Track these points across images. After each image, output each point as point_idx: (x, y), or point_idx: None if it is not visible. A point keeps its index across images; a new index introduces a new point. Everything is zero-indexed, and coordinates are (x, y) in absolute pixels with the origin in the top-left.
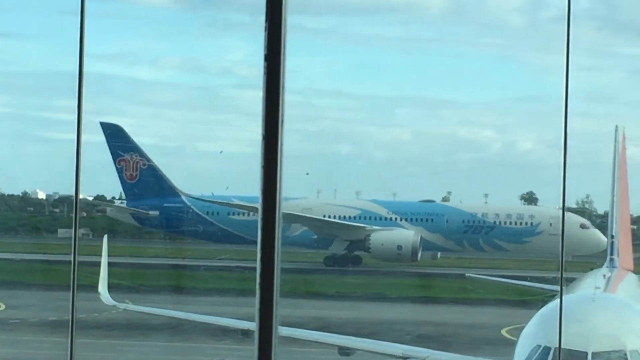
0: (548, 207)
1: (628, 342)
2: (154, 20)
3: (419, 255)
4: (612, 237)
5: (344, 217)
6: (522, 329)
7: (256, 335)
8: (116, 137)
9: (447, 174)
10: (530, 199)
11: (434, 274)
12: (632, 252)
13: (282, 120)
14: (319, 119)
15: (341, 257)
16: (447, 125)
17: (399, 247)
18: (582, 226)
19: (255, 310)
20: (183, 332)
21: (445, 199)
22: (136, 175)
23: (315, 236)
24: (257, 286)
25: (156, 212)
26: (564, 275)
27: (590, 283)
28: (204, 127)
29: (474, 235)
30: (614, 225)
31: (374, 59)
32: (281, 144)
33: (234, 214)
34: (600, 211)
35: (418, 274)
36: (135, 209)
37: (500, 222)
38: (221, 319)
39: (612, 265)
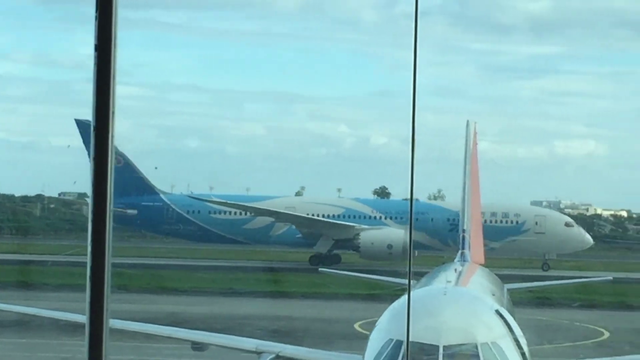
0: (534, 206)
1: (479, 336)
2: (2, 13)
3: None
4: (464, 231)
5: (329, 215)
6: (374, 322)
7: (87, 330)
8: (90, 134)
9: (302, 169)
10: (382, 193)
11: (284, 268)
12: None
13: (113, 112)
14: (175, 113)
15: (326, 256)
16: (301, 120)
17: (389, 246)
18: (567, 224)
19: (86, 305)
20: (34, 329)
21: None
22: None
23: (299, 235)
24: (88, 280)
25: (134, 211)
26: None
27: (442, 277)
28: (57, 122)
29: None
30: (466, 220)
31: (228, 53)
32: (112, 136)
33: (215, 212)
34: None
35: (269, 268)
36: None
37: (485, 221)
38: (69, 315)
39: (463, 259)
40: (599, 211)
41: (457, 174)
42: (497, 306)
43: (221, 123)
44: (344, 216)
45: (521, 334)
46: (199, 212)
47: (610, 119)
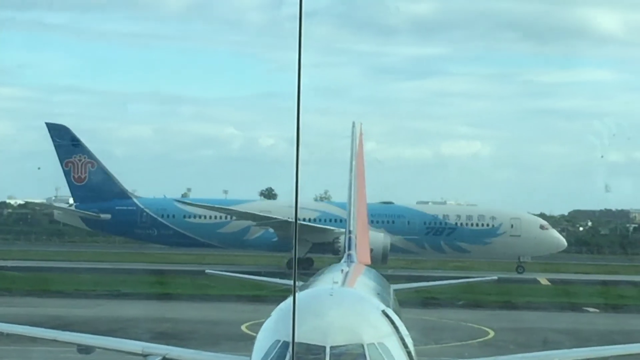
0: (509, 208)
1: (365, 336)
2: None
3: (388, 257)
4: (350, 232)
5: (306, 219)
6: (261, 324)
7: None
8: (63, 138)
9: (188, 170)
10: (269, 194)
11: (172, 270)
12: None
13: None
14: (59, 115)
15: (305, 259)
16: (187, 121)
17: (370, 250)
18: (542, 227)
19: None
20: None
21: (186, 195)
22: (85, 177)
23: (275, 239)
24: None
25: (108, 215)
26: None
27: (328, 278)
28: None
29: (435, 237)
30: (352, 221)
31: (112, 55)
32: None
33: (190, 216)
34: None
35: (154, 270)
36: (85, 212)
37: (461, 224)
38: None
39: (350, 260)
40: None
41: (344, 175)
42: (383, 306)
43: (106, 125)
44: (320, 220)
45: (407, 333)
46: (173, 216)
47: (495, 119)
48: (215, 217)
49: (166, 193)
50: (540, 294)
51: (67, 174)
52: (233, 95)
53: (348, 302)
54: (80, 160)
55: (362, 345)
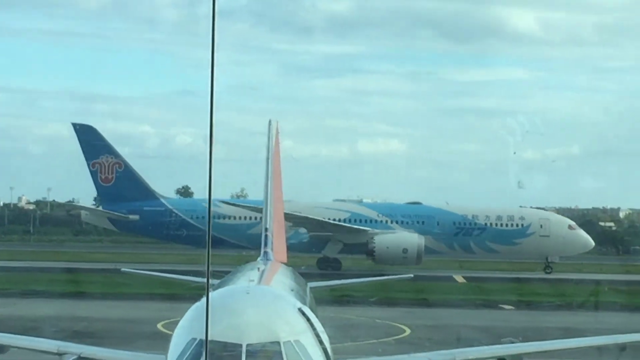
0: (537, 209)
1: (282, 333)
2: None
3: (423, 257)
4: (266, 230)
5: (337, 219)
6: (177, 322)
7: None
8: (89, 139)
9: None
10: (185, 193)
11: (86, 269)
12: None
13: None
14: None
15: (333, 260)
16: (102, 119)
17: (405, 250)
18: (570, 227)
19: None
20: None
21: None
22: (112, 178)
23: (306, 239)
24: None
25: (136, 216)
26: None
27: (244, 276)
28: None
29: (465, 237)
30: (268, 219)
31: (27, 52)
32: None
33: (220, 217)
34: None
35: (67, 269)
36: (113, 213)
37: (491, 224)
38: None
39: (266, 258)
40: None
41: (260, 173)
42: (299, 304)
43: (22, 122)
44: (350, 220)
45: (324, 331)
46: (202, 217)
47: (412, 117)
48: (246, 218)
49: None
50: (455, 292)
51: (93, 174)
52: (149, 93)
53: (264, 300)
54: (107, 161)
55: (279, 343)
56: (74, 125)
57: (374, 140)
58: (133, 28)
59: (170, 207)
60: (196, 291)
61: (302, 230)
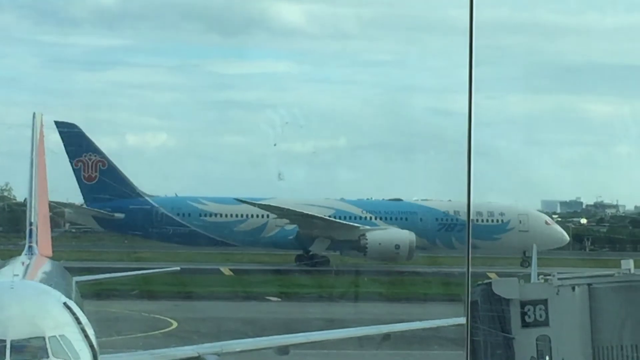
0: (517, 205)
1: (47, 328)
2: None
3: (414, 253)
4: (31, 224)
5: (323, 216)
6: None
7: None
8: (73, 137)
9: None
10: None
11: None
12: None
13: None
14: None
15: (319, 257)
16: None
17: (397, 247)
18: (547, 222)
19: None
20: None
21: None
22: (95, 177)
23: (292, 236)
24: None
25: (121, 215)
26: None
27: (8, 271)
28: None
29: (447, 233)
30: (33, 213)
31: None
32: None
33: (206, 215)
34: (20, 199)
35: None
36: (98, 211)
37: (472, 220)
38: None
39: (31, 253)
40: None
41: (25, 167)
42: (65, 298)
43: None
44: (335, 217)
45: (90, 325)
46: (189, 214)
47: (180, 111)
48: (232, 215)
49: None
50: (223, 284)
51: (76, 172)
52: None
53: (29, 295)
54: (90, 159)
55: (44, 338)
56: (57, 123)
57: (142, 133)
58: None
59: (156, 205)
60: None
61: (288, 228)
